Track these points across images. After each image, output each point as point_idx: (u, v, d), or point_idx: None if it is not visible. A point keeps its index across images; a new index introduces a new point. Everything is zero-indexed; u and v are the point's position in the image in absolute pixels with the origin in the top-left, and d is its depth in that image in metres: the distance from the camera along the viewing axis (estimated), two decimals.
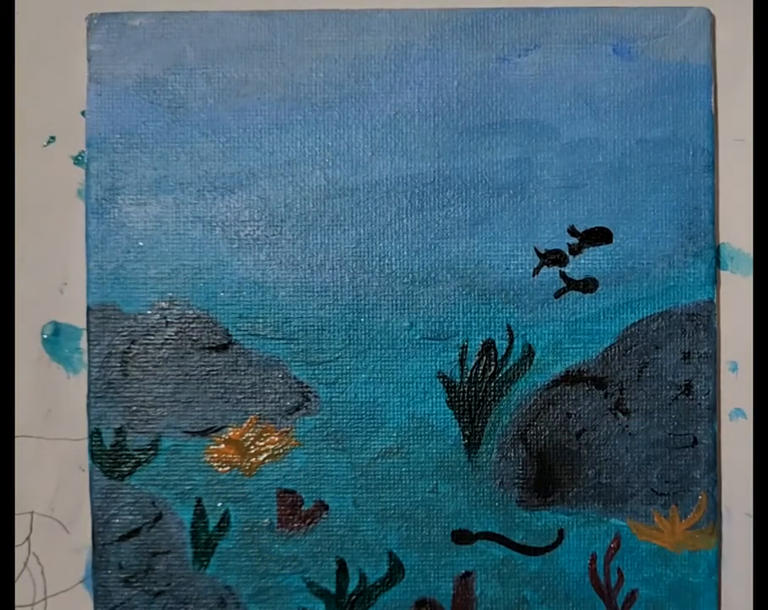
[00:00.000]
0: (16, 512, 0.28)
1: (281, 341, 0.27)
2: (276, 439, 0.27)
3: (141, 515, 0.27)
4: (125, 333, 0.27)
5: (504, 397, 0.27)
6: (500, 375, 0.27)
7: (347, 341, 0.27)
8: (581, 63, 0.27)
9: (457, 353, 0.27)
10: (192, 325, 0.27)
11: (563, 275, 0.27)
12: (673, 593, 0.27)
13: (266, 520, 0.27)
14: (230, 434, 0.27)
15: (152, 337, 0.27)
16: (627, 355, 0.27)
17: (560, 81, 0.27)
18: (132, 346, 0.27)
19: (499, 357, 0.27)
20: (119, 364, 0.27)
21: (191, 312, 0.27)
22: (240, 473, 0.27)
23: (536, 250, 0.27)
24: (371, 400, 0.27)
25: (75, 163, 0.28)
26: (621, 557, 0.27)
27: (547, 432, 0.27)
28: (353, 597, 0.27)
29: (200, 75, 0.27)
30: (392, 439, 0.27)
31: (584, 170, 0.27)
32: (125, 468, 0.27)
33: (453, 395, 0.27)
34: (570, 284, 0.27)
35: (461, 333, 0.27)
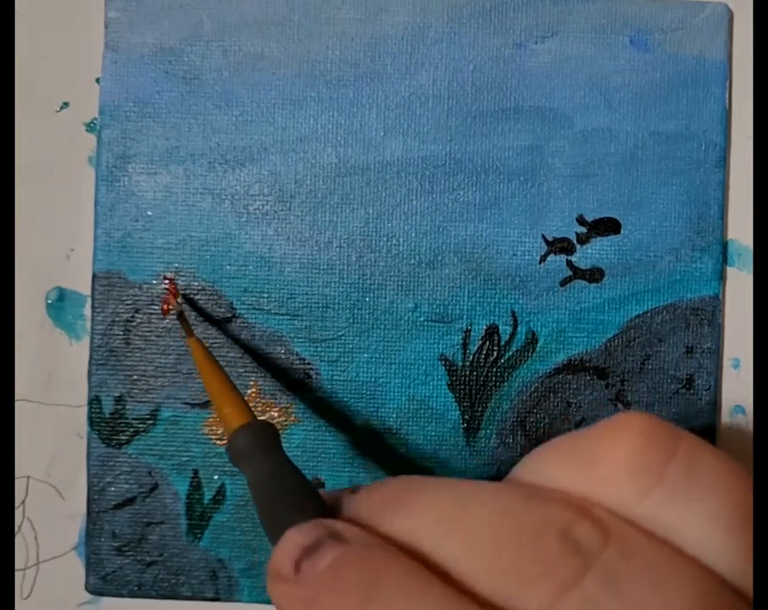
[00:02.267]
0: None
1: (285, 317, 0.27)
2: (276, 414, 0.27)
3: (137, 484, 0.27)
4: (129, 301, 0.27)
5: (506, 383, 0.27)
6: (502, 361, 0.27)
7: (351, 320, 0.27)
8: (597, 52, 0.27)
9: (460, 337, 0.27)
10: (196, 297, 0.27)
11: (569, 264, 0.27)
12: None
13: None
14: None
15: (156, 307, 0.27)
16: (630, 346, 0.27)
17: (576, 70, 0.27)
18: (136, 315, 0.27)
19: (502, 343, 0.27)
20: (121, 333, 0.27)
21: (196, 283, 0.27)
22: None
23: (543, 237, 0.27)
24: (372, 380, 0.27)
25: (87, 130, 0.28)
26: None
27: (546, 420, 0.27)
28: None
29: (216, 48, 0.27)
30: (391, 420, 0.27)
31: (595, 160, 0.27)
32: (123, 437, 0.27)
33: (454, 378, 0.27)
34: (577, 273, 0.27)
35: (465, 317, 0.27)
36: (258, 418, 0.20)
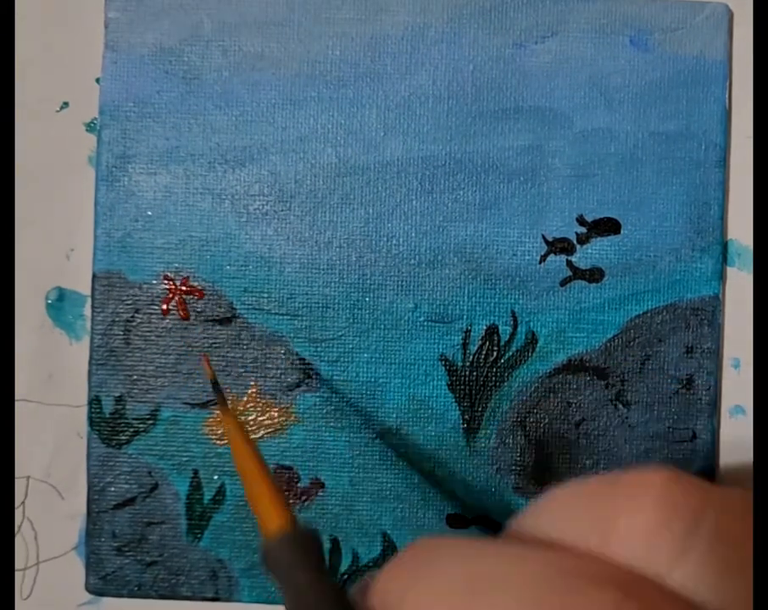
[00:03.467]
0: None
1: (285, 317, 0.27)
2: (276, 414, 0.27)
3: (136, 484, 0.27)
4: (129, 301, 0.27)
5: (505, 383, 0.27)
6: (502, 361, 0.27)
7: (351, 320, 0.27)
8: (597, 52, 0.27)
9: (460, 337, 0.27)
10: (196, 297, 0.27)
11: (569, 264, 0.27)
12: None
13: None
14: (230, 407, 0.27)
15: (156, 307, 0.27)
16: (630, 346, 0.27)
17: (576, 70, 0.27)
18: (136, 315, 0.27)
19: (502, 343, 0.27)
20: (121, 333, 0.27)
21: (196, 283, 0.27)
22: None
23: (543, 237, 0.27)
24: (372, 380, 0.27)
25: (87, 130, 0.28)
26: None
27: (546, 420, 0.27)
28: (345, 576, 0.27)
29: (216, 48, 0.27)
30: (391, 420, 0.27)
31: (595, 160, 0.27)
32: (123, 437, 0.27)
33: (454, 378, 0.27)
34: (577, 273, 0.27)
35: (465, 317, 0.27)
36: (299, 523, 0.18)
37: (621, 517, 0.14)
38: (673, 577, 0.13)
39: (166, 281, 0.27)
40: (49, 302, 0.28)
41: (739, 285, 0.28)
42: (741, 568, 0.13)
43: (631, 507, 0.14)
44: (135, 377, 0.27)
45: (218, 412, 0.21)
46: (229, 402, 0.26)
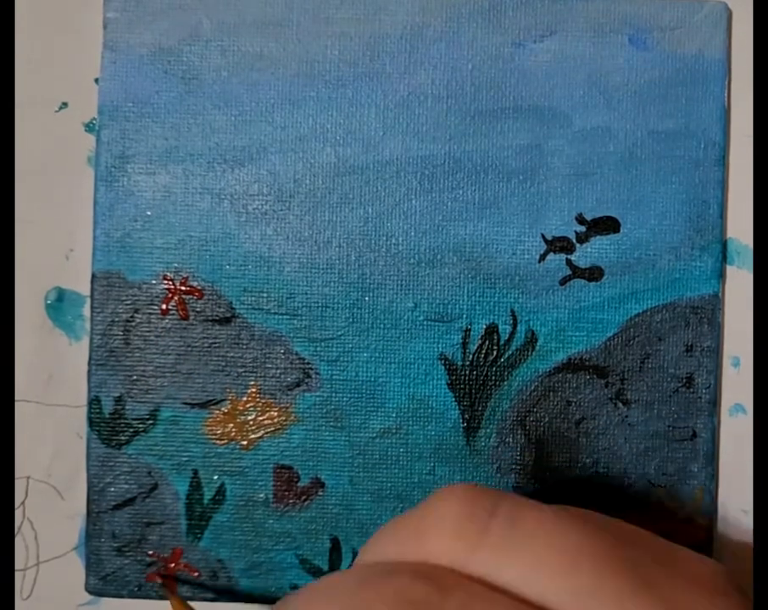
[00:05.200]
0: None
1: (285, 317, 0.27)
2: (275, 414, 0.27)
3: (136, 485, 0.27)
4: (128, 301, 0.27)
5: (505, 382, 0.27)
6: (502, 360, 0.27)
7: (351, 320, 0.27)
8: (596, 51, 0.27)
9: (460, 336, 0.27)
10: (195, 297, 0.27)
11: (569, 263, 0.27)
12: None
13: (261, 495, 0.27)
14: (230, 407, 0.27)
15: (155, 307, 0.27)
16: (630, 345, 0.27)
17: (575, 69, 0.27)
18: (135, 315, 0.27)
19: (502, 342, 0.27)
20: (121, 333, 0.27)
21: (195, 283, 0.27)
22: (237, 447, 0.27)
23: (543, 236, 0.27)
24: (372, 379, 0.27)
25: (86, 130, 0.28)
26: None
27: (546, 419, 0.27)
28: None
29: (215, 48, 0.27)
30: (391, 419, 0.27)
31: (594, 159, 0.27)
32: (123, 437, 0.27)
33: (454, 377, 0.27)
34: (576, 272, 0.27)
35: (465, 316, 0.27)
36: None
37: (431, 524, 0.17)
38: (474, 562, 0.16)
39: (165, 281, 0.27)
40: (48, 302, 0.28)
41: (739, 284, 0.28)
42: (538, 551, 0.16)
43: (437, 514, 0.17)
44: (134, 377, 0.27)
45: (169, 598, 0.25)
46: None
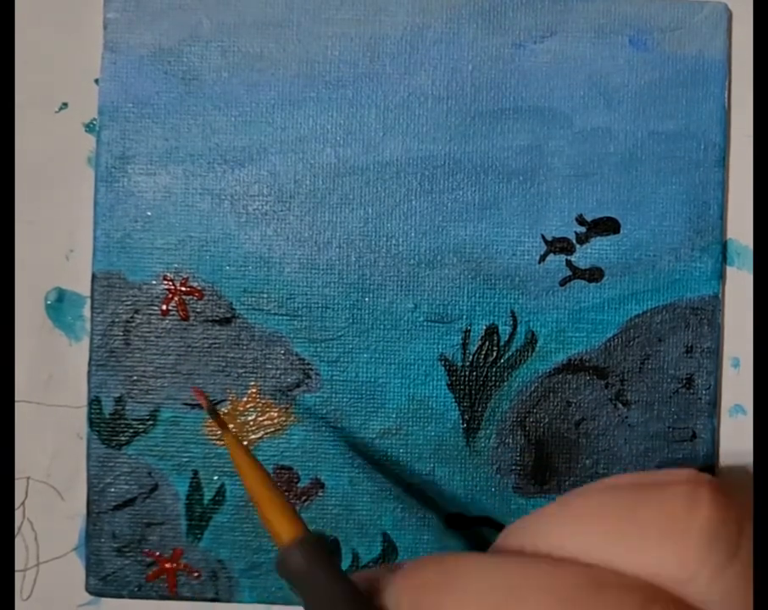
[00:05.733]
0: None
1: (285, 317, 0.27)
2: (275, 415, 0.27)
3: (136, 485, 0.27)
4: (128, 302, 0.27)
5: (505, 383, 0.27)
6: (502, 361, 0.27)
7: (351, 320, 0.27)
8: (596, 52, 0.27)
9: (460, 337, 0.27)
10: (195, 297, 0.27)
11: (569, 264, 0.27)
12: None
13: None
14: (230, 407, 0.27)
15: (155, 308, 0.27)
16: (630, 346, 0.27)
17: (575, 70, 0.27)
18: (136, 315, 0.27)
19: (502, 343, 0.27)
20: (121, 333, 0.27)
21: (195, 284, 0.27)
22: None
23: (543, 237, 0.27)
24: (372, 379, 0.27)
25: (86, 131, 0.28)
26: None
27: (546, 420, 0.27)
28: None
29: (215, 48, 0.27)
30: (391, 420, 0.27)
31: (595, 160, 0.27)
32: (123, 438, 0.27)
33: (454, 378, 0.27)
34: (576, 272, 0.27)
35: (465, 317, 0.27)
36: (310, 529, 0.19)
37: (673, 532, 0.14)
38: (712, 588, 0.13)
39: (166, 282, 0.27)
40: (49, 302, 0.28)
41: (739, 285, 0.28)
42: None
43: (683, 519, 0.14)
44: (134, 378, 0.27)
45: (224, 437, 0.21)
46: (232, 426, 0.26)
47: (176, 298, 0.27)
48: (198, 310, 0.27)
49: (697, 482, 0.14)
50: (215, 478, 0.27)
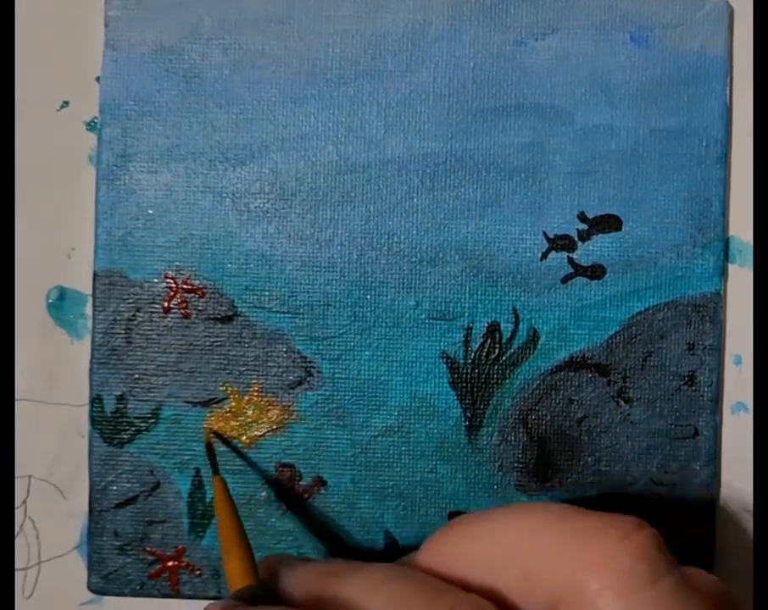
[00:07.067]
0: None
1: (286, 315, 0.27)
2: (277, 413, 0.27)
3: (138, 483, 0.27)
4: (130, 300, 0.27)
5: (507, 381, 0.27)
6: (504, 358, 0.27)
7: (353, 318, 0.27)
8: (598, 49, 0.27)
9: (462, 334, 0.27)
10: (197, 296, 0.27)
11: (571, 261, 0.27)
12: None
13: (263, 494, 0.27)
14: (232, 405, 0.27)
15: (157, 306, 0.27)
16: (632, 343, 0.27)
17: (576, 67, 0.27)
18: (137, 313, 0.27)
19: (504, 340, 0.27)
20: (123, 331, 0.27)
21: (197, 282, 0.27)
22: (239, 445, 0.27)
23: (545, 234, 0.27)
24: (374, 377, 0.27)
25: (87, 129, 0.28)
26: None
27: (548, 417, 0.27)
28: None
29: (216, 46, 0.27)
30: (392, 417, 0.27)
31: (596, 157, 0.27)
32: (125, 436, 0.27)
33: (456, 376, 0.27)
34: (578, 270, 0.27)
35: (467, 314, 0.27)
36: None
37: (578, 548, 0.16)
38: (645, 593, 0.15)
39: (167, 280, 0.27)
40: (50, 301, 0.28)
41: (740, 282, 0.28)
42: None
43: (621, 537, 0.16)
44: (136, 376, 0.27)
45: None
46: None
47: (178, 296, 0.27)
48: (200, 308, 0.27)
49: (641, 524, 0.16)
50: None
